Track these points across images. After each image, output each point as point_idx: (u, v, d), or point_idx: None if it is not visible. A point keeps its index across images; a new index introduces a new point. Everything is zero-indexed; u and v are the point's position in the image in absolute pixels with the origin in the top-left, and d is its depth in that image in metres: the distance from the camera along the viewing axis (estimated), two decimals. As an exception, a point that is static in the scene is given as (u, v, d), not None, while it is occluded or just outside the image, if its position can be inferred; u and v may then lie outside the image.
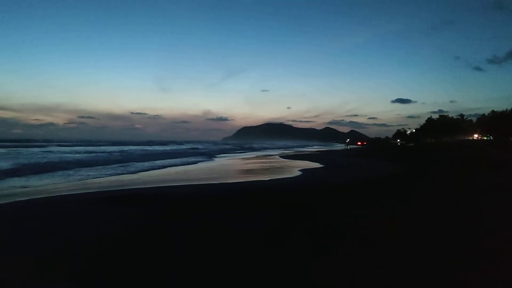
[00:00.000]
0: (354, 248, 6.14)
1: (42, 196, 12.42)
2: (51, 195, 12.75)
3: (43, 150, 50.68)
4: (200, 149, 68.86)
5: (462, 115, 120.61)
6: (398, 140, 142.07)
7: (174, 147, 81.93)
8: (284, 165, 29.66)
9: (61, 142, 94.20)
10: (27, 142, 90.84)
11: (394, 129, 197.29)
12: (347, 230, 7.39)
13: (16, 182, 16.34)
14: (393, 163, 31.67)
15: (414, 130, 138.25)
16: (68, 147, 66.06)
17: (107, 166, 26.26)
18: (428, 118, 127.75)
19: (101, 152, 47.06)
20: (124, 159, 33.15)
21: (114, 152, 48.34)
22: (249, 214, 9.13)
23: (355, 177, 19.35)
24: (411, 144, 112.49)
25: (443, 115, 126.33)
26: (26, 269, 5.39)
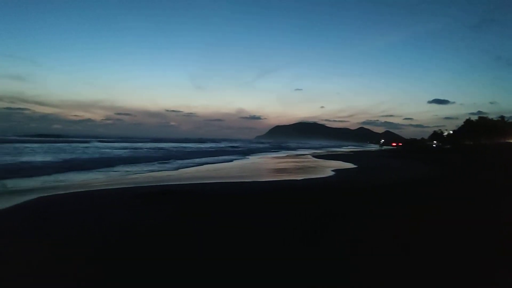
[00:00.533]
0: (385, 250, 6.11)
1: (78, 190, 12.98)
2: (89, 189, 13.28)
3: (85, 146, 52.69)
4: (239, 147, 69.13)
5: (502, 117, 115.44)
6: (435, 142, 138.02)
7: (212, 144, 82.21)
8: (317, 165, 29.44)
9: (102, 138, 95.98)
10: (67, 137, 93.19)
11: (430, 130, 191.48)
12: (376, 231, 7.32)
13: (58, 177, 17.03)
14: (429, 165, 30.85)
15: (451, 132, 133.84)
16: (109, 143, 67.84)
17: (150, 163, 26.77)
18: (467, 120, 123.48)
19: (142, 149, 48.09)
20: (165, 157, 33.75)
21: (154, 149, 49.14)
22: (278, 213, 9.13)
23: (389, 178, 18.90)
24: (448, 146, 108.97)
25: (482, 117, 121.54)
26: (49, 262, 5.67)
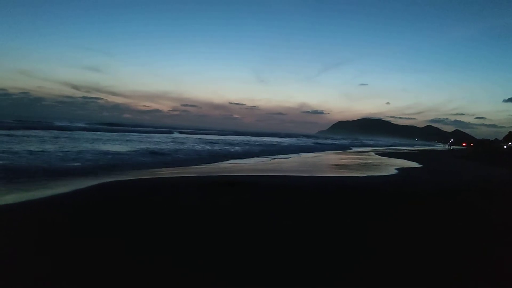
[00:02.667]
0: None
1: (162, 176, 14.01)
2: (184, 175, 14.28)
3: (170, 136, 55.91)
4: (324, 143, 67.36)
5: None
6: (510, 143, 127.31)
7: (294, 140, 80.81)
8: (397, 164, 28.73)
9: (180, 129, 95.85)
10: (142, 127, 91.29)
11: (505, 131, 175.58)
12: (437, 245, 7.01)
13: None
14: (506, 168, 28.74)
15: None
16: (192, 135, 68.68)
17: (249, 158, 26.26)
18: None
19: (240, 142, 48.96)
20: (276, 151, 34.75)
21: (250, 143, 48.78)
22: (336, 209, 9.17)
23: (458, 181, 17.90)
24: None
25: None
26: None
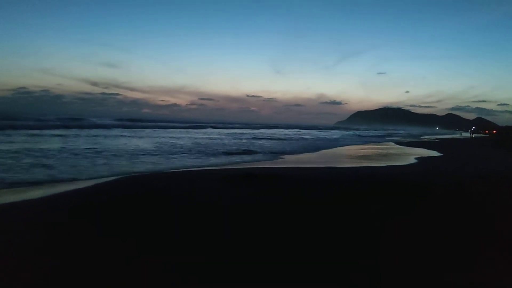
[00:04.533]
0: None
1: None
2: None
3: (205, 131, 56.63)
4: (369, 136, 64.72)
5: None
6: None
7: (335, 132, 79.51)
8: (413, 153, 28.55)
9: (212, 124, 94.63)
10: (161, 122, 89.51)
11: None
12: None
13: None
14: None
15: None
16: (226, 129, 68.89)
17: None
18: None
19: (287, 136, 49.30)
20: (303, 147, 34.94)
21: (278, 137, 47.46)
22: (355, 203, 9.21)
23: (481, 169, 17.20)
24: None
25: None
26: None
